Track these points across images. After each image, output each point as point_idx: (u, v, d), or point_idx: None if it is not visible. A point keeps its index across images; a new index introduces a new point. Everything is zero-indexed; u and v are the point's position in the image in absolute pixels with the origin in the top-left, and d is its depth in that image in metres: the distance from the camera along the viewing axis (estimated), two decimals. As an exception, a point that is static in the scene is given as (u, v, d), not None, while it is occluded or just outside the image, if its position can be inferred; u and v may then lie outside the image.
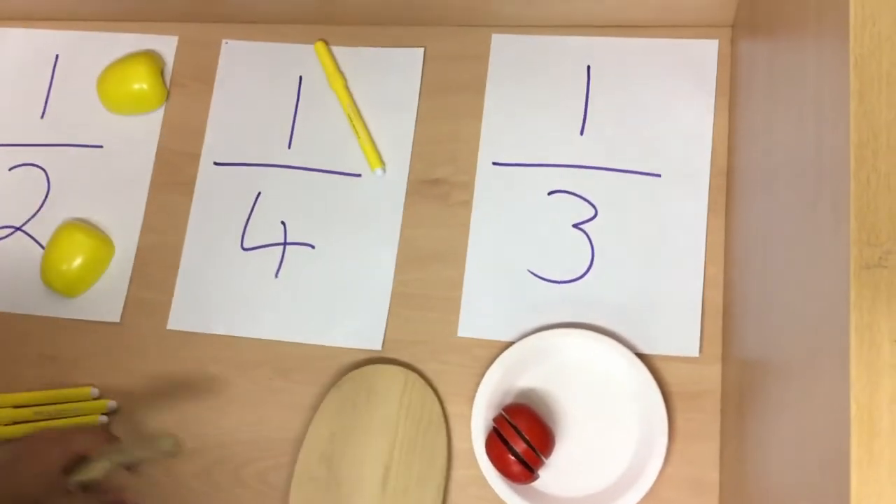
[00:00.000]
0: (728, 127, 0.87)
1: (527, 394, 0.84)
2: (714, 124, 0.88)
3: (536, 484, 0.81)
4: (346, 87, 0.96)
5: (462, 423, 0.84)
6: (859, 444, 0.40)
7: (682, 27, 0.91)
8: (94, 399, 0.90)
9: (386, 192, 0.92)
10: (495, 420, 0.80)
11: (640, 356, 0.82)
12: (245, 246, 0.93)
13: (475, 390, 0.83)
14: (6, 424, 0.89)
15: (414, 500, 0.82)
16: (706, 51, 0.90)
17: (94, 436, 0.79)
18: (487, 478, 0.81)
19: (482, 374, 0.83)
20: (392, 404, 0.85)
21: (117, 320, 0.93)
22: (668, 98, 0.90)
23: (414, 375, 0.85)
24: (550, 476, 0.81)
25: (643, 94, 0.90)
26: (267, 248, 0.93)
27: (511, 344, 0.84)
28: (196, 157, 0.97)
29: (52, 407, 0.89)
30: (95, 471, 0.76)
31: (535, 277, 0.88)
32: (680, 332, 0.84)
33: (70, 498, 0.75)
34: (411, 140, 0.93)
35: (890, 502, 0.39)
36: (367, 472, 0.83)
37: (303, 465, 0.84)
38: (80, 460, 0.76)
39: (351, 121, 0.94)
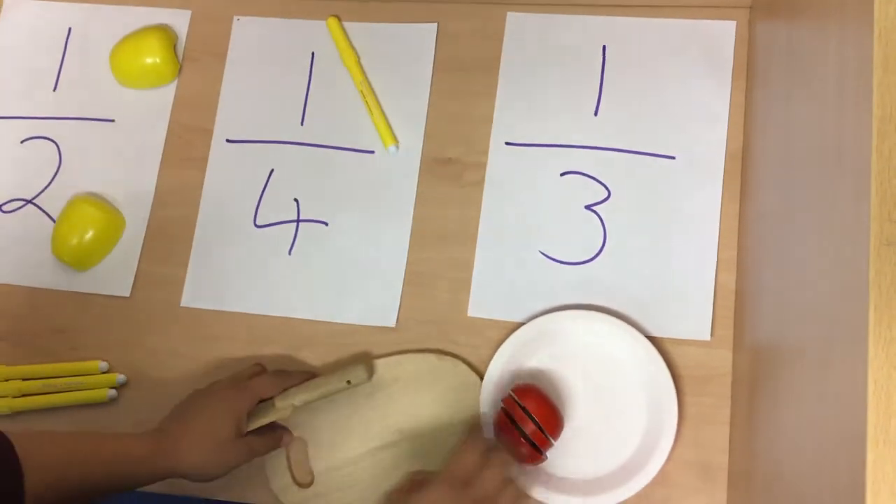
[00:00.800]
0: (744, 109, 0.87)
1: (536, 375, 0.84)
2: (730, 107, 0.87)
3: (544, 465, 0.80)
4: (359, 64, 0.95)
5: (471, 402, 0.84)
6: (876, 423, 0.39)
7: (699, 8, 0.90)
8: (103, 373, 0.90)
9: (399, 169, 0.92)
10: (504, 400, 0.80)
11: (651, 339, 0.82)
12: (258, 223, 0.93)
13: (484, 370, 0.83)
14: (15, 396, 0.89)
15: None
16: (723, 32, 0.89)
17: (279, 380, 0.82)
18: (495, 458, 0.80)
19: (492, 355, 0.83)
20: (449, 409, 0.84)
21: (127, 294, 0.92)
22: (684, 80, 0.89)
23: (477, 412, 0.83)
24: (559, 458, 0.81)
25: (659, 75, 0.90)
26: (280, 226, 0.92)
27: (521, 325, 0.84)
28: (208, 132, 0.96)
29: (61, 380, 0.89)
30: (276, 414, 0.80)
31: (546, 258, 0.87)
32: (692, 315, 0.83)
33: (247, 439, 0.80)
34: (424, 118, 0.93)
35: (906, 481, 0.38)
36: (376, 426, 0.84)
37: (358, 363, 0.84)
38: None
39: (364, 97, 0.93)
